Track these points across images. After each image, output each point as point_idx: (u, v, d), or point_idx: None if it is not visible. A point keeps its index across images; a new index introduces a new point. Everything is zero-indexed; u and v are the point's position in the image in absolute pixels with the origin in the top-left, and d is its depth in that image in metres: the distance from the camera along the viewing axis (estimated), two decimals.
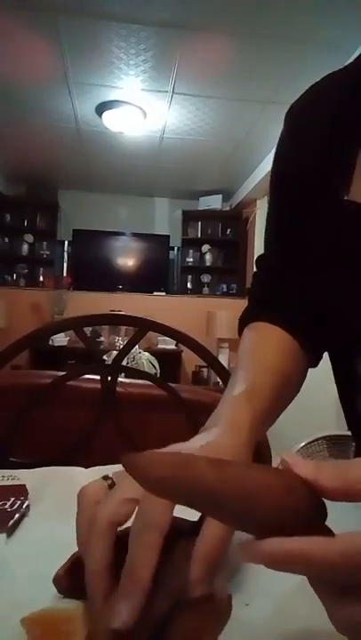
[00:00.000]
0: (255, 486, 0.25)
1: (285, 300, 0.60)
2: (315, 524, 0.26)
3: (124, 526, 0.33)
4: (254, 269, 0.67)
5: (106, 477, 0.37)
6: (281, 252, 0.62)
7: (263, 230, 0.65)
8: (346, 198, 0.50)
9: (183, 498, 0.25)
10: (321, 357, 0.63)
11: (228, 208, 5.05)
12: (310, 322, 0.58)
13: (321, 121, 0.54)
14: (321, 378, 0.70)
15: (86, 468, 0.65)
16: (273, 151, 0.63)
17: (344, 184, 0.50)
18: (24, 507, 0.52)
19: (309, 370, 0.63)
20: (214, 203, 4.96)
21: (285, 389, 0.53)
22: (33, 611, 0.33)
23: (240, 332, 0.63)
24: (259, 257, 0.66)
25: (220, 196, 4.92)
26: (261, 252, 0.66)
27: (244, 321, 0.63)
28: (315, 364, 0.62)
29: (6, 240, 4.87)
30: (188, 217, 5.04)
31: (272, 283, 0.62)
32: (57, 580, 0.36)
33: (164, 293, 4.90)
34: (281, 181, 0.61)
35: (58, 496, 0.57)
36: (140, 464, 0.25)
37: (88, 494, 0.36)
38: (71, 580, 0.36)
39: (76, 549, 0.36)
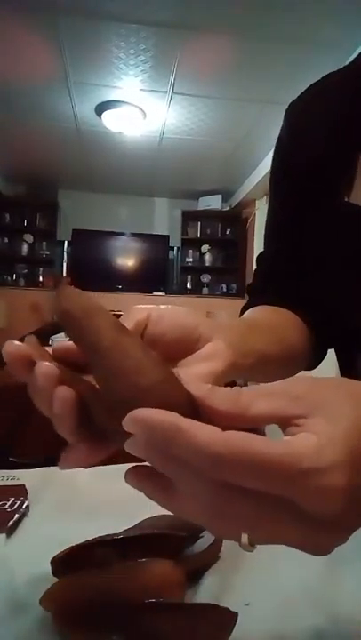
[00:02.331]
0: (133, 363, 0.24)
1: (285, 298, 0.59)
2: None
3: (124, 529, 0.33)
4: (254, 268, 0.67)
5: None
6: (280, 250, 0.62)
7: (263, 230, 0.65)
8: (346, 200, 0.50)
9: (76, 338, 0.25)
10: (324, 354, 0.62)
11: (227, 208, 5.06)
12: (310, 319, 0.58)
13: (322, 122, 0.54)
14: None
15: (86, 468, 0.65)
16: (273, 151, 0.62)
17: (345, 186, 0.50)
18: (24, 507, 0.52)
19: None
20: (214, 203, 4.96)
21: (270, 334, 0.48)
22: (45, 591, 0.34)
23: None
24: (259, 255, 0.65)
25: (220, 196, 4.92)
26: (261, 251, 0.66)
27: (245, 309, 0.62)
28: (318, 360, 0.61)
29: (6, 240, 4.86)
30: (188, 217, 5.04)
31: (272, 282, 0.62)
32: (54, 562, 0.37)
33: (163, 293, 4.90)
34: (281, 181, 0.61)
35: (58, 496, 0.57)
36: (64, 292, 0.25)
37: None
38: (66, 566, 0.37)
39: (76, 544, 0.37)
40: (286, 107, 0.61)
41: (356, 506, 0.22)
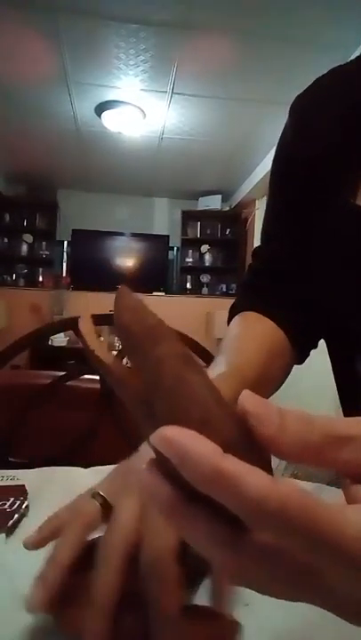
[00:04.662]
0: (198, 414, 0.19)
1: (278, 295, 0.59)
2: None
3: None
4: (248, 263, 0.67)
5: (95, 495, 0.36)
6: (278, 246, 0.62)
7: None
8: (351, 201, 0.49)
9: (133, 360, 0.21)
10: (308, 354, 0.63)
11: (227, 208, 5.05)
12: (302, 318, 0.58)
13: (328, 120, 0.53)
14: (320, 379, 0.70)
15: (86, 467, 0.65)
16: (273, 151, 0.62)
17: (351, 187, 0.49)
18: (23, 507, 0.52)
19: (309, 372, 0.62)
20: (214, 203, 4.96)
21: (263, 381, 0.52)
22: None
23: (229, 320, 0.63)
24: (255, 249, 0.65)
25: (220, 197, 4.92)
26: (257, 245, 0.65)
27: (235, 310, 0.63)
28: (301, 361, 0.62)
29: (5, 240, 4.86)
30: (188, 217, 5.04)
31: (266, 277, 0.62)
32: None
33: (163, 293, 4.90)
34: (283, 177, 0.61)
35: (57, 496, 0.57)
36: (123, 301, 0.23)
37: (82, 522, 0.34)
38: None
39: None
40: (286, 106, 0.60)
41: None
